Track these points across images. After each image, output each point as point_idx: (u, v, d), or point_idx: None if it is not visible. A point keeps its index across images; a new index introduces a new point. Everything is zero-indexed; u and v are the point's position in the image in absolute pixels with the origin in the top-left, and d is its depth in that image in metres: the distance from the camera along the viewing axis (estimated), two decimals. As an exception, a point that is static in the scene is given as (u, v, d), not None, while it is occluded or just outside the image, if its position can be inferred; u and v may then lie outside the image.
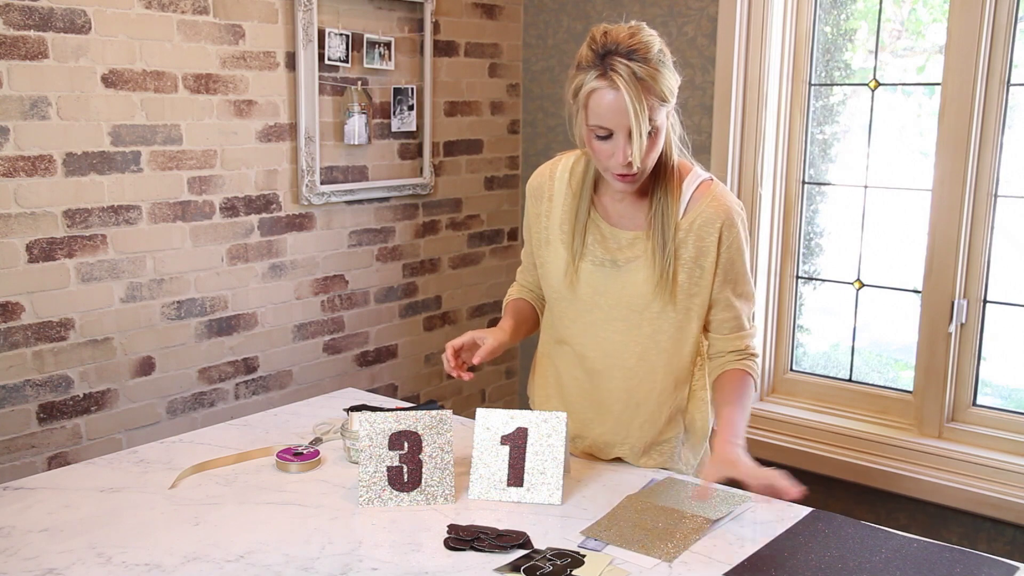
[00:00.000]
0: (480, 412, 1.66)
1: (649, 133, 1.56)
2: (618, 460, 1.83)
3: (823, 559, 1.43)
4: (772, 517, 1.58)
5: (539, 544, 1.46)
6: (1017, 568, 1.41)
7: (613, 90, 1.52)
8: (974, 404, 2.72)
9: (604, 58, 1.53)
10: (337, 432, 1.91)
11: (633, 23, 1.59)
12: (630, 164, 1.57)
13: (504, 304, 1.95)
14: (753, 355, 1.77)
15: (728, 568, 1.40)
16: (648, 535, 1.49)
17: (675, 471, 1.82)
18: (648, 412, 1.78)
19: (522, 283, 1.97)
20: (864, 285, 2.92)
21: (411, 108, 3.04)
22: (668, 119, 1.62)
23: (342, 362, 3.03)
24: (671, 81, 1.57)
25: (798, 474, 2.86)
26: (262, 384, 2.81)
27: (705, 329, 1.77)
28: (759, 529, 1.54)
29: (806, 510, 1.61)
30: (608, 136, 1.57)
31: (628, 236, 1.72)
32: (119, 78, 2.35)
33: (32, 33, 2.19)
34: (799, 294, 3.05)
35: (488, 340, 1.72)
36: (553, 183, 1.80)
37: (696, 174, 1.72)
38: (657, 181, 1.68)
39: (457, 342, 1.72)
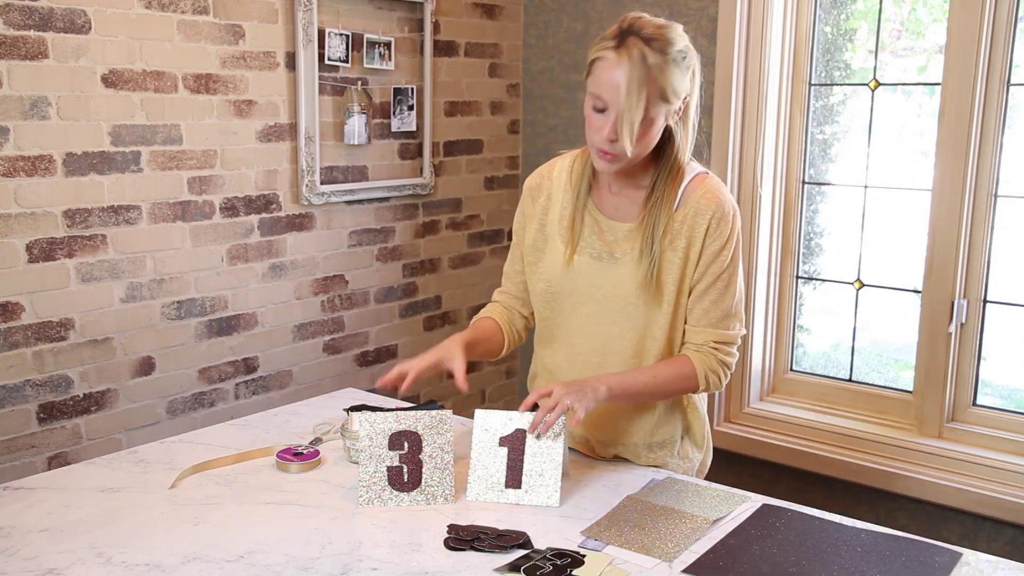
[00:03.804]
0: (478, 413, 1.66)
1: (640, 121, 1.56)
2: (617, 459, 1.83)
3: (776, 552, 1.44)
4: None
5: (539, 544, 1.46)
6: (961, 554, 1.44)
7: (618, 64, 1.54)
8: (974, 404, 2.72)
9: (624, 35, 1.56)
10: (337, 432, 1.91)
11: (668, 22, 1.59)
12: (612, 142, 1.58)
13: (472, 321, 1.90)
14: (719, 353, 1.71)
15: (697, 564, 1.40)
16: (648, 535, 1.49)
17: (675, 468, 1.83)
18: (645, 406, 1.78)
19: (505, 291, 1.91)
20: (864, 285, 2.92)
21: (411, 108, 3.04)
22: (668, 118, 1.62)
23: (342, 362, 3.03)
24: (679, 83, 1.57)
25: (798, 474, 2.90)
26: (262, 384, 2.81)
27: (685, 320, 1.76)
28: (759, 529, 1.54)
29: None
30: (603, 110, 1.58)
31: (624, 228, 1.72)
32: (119, 78, 2.35)
33: (32, 33, 2.19)
34: (799, 294, 3.05)
35: (456, 363, 1.69)
36: (552, 181, 1.81)
37: (692, 167, 1.73)
38: (659, 177, 1.69)
39: (422, 365, 1.68)
